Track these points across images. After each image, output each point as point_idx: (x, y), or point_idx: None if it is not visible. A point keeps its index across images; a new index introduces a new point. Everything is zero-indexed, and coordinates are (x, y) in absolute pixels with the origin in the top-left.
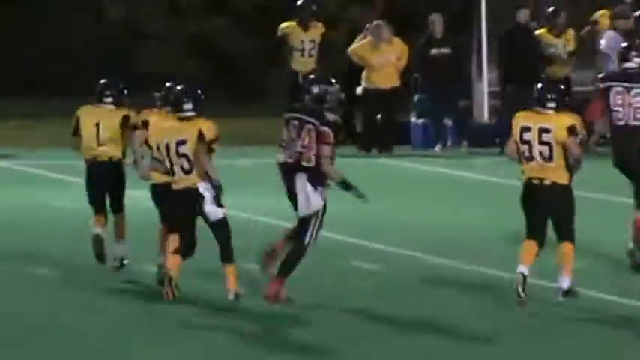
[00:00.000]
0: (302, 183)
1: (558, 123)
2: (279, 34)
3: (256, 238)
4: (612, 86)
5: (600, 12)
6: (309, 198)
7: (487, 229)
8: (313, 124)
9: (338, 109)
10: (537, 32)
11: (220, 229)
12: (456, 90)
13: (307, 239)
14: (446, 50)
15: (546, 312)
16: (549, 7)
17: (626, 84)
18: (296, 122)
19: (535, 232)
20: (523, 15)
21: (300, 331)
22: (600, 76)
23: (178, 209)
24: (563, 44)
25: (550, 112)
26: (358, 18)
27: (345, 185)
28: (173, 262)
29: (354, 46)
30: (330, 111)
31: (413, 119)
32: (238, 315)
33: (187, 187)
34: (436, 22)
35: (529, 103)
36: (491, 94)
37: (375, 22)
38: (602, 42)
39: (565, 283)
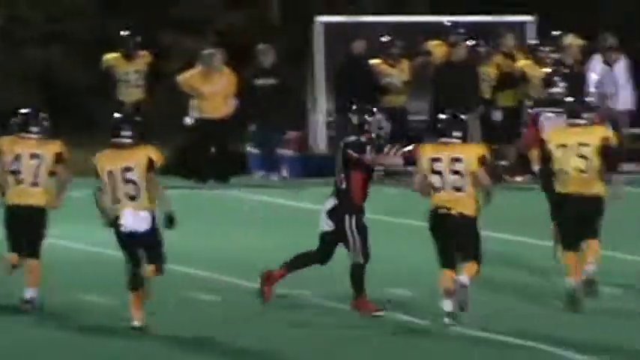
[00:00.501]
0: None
1: (469, 153)
2: (103, 66)
3: (90, 268)
4: (541, 112)
5: (433, 42)
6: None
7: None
8: (347, 153)
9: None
10: (372, 62)
11: None
12: (284, 120)
13: (355, 257)
14: (272, 81)
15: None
16: (384, 36)
17: (554, 109)
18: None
19: (448, 260)
20: (359, 46)
21: None
22: (529, 103)
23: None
24: (398, 74)
25: (456, 141)
26: (192, 48)
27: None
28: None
29: (184, 75)
30: (370, 141)
31: (249, 149)
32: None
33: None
34: (264, 53)
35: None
36: (327, 124)
37: (206, 51)
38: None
39: (464, 279)
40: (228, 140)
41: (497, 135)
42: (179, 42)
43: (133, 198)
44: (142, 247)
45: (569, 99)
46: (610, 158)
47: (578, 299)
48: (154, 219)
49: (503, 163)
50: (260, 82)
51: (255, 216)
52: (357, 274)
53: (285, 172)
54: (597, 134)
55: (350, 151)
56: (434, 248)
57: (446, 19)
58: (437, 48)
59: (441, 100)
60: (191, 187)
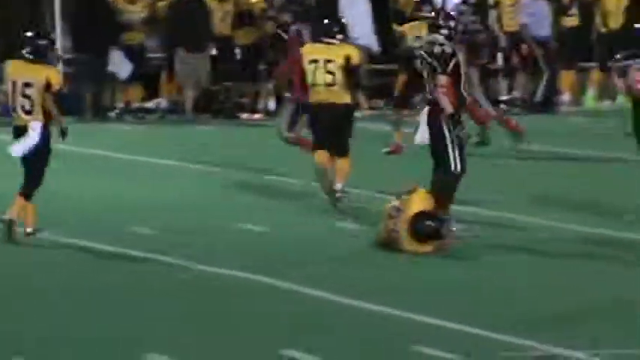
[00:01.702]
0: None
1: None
2: None
3: None
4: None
5: None
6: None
7: (87, 199)
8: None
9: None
10: None
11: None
12: None
13: (453, 165)
14: None
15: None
16: None
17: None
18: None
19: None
20: None
21: None
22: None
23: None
24: (139, 10)
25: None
26: None
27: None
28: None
29: None
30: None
31: None
32: None
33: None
34: None
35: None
36: (65, 61)
37: None
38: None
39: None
40: None
41: (236, 73)
42: None
43: (27, 112)
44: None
45: (326, 20)
46: (353, 75)
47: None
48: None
49: (242, 100)
50: None
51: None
52: (452, 186)
53: None
54: (342, 52)
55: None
56: None
57: None
58: None
59: (173, 38)
60: None
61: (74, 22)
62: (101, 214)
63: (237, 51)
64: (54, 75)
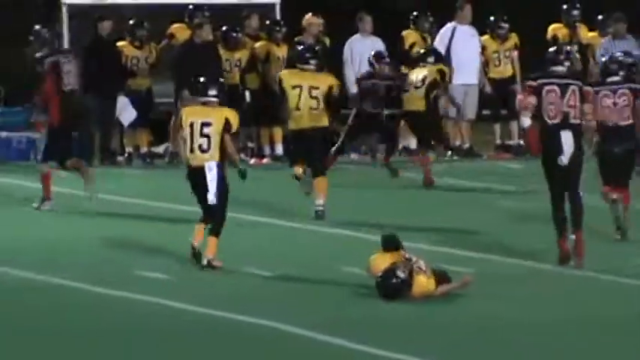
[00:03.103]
0: (569, 137)
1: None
2: None
3: None
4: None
5: (177, 25)
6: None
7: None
8: (578, 85)
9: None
10: (119, 44)
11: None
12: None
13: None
14: None
15: None
16: (131, 19)
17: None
18: (555, 87)
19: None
20: (105, 27)
21: None
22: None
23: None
24: (145, 56)
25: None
26: None
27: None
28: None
29: None
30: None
31: None
32: None
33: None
34: None
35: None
36: None
37: None
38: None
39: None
40: None
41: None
42: None
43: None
44: None
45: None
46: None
47: None
48: None
49: (250, 145)
50: None
51: None
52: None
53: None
54: (326, 81)
55: (589, 89)
56: None
57: (190, 2)
58: (180, 31)
59: (184, 83)
60: None
61: (83, 67)
62: (109, 257)
63: (247, 95)
64: (232, 115)
